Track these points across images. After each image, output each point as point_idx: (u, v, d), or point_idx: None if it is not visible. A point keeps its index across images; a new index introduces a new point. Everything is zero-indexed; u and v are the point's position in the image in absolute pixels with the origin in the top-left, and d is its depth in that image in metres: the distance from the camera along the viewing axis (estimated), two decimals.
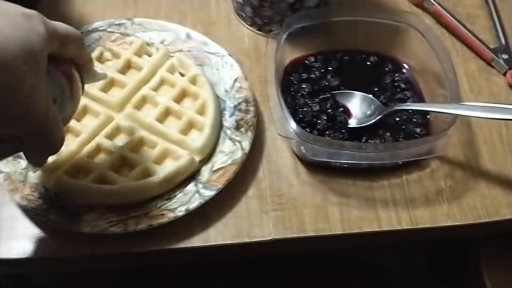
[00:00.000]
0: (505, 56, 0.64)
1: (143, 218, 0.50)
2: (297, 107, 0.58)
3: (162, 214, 0.50)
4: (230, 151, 0.54)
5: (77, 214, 0.50)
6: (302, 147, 0.53)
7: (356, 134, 0.56)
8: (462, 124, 0.58)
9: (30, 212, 0.51)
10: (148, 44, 0.61)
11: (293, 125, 0.52)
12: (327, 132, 0.56)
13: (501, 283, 0.60)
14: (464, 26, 0.65)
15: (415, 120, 0.58)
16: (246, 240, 0.52)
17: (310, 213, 0.53)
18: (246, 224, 0.52)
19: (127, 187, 0.50)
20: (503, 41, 0.65)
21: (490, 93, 0.62)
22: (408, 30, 0.61)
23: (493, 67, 0.64)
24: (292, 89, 0.60)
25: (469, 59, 0.65)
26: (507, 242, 0.61)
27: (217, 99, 0.58)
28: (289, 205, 0.54)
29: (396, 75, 0.61)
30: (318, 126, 0.56)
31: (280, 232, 0.52)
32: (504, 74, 0.63)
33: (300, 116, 0.57)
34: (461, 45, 0.65)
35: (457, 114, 0.52)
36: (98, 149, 0.53)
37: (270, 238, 0.52)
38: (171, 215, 0.50)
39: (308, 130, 0.56)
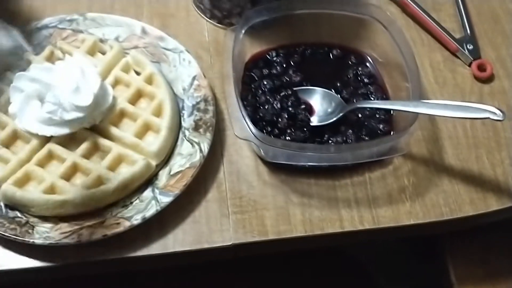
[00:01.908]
0: (470, 47, 0.62)
1: (98, 227, 0.48)
2: (258, 105, 0.56)
3: (118, 223, 0.48)
4: (189, 154, 0.52)
5: (29, 226, 0.48)
6: (260, 149, 0.52)
7: (318, 131, 0.55)
8: (426, 119, 0.57)
9: None
10: (101, 41, 0.58)
11: (251, 126, 0.50)
12: (288, 131, 0.55)
13: (467, 278, 0.60)
14: (430, 16, 0.64)
15: (377, 116, 0.57)
16: (206, 246, 0.51)
17: (271, 215, 0.52)
18: (206, 230, 0.51)
19: (79, 197, 0.48)
20: (468, 31, 0.64)
21: (455, 84, 0.61)
22: (372, 22, 0.59)
23: (458, 57, 0.63)
24: (253, 86, 0.58)
25: (434, 49, 0.63)
26: (472, 236, 0.61)
27: (175, 98, 0.56)
28: (249, 208, 0.52)
29: (360, 68, 0.60)
30: (279, 125, 0.55)
31: (240, 237, 0.51)
32: (469, 65, 0.62)
33: (261, 114, 0.55)
34: (426, 35, 0.64)
35: (418, 113, 0.51)
36: (49, 156, 0.51)
37: (230, 243, 0.51)
38: (126, 224, 0.48)
39: (269, 129, 0.54)
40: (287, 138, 0.54)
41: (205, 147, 0.52)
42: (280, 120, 0.55)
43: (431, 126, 0.58)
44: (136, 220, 0.48)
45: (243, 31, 0.56)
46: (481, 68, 0.62)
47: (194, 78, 0.56)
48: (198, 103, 0.55)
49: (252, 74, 0.59)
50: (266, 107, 0.56)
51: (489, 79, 0.62)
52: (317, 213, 0.53)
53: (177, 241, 0.50)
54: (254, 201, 0.53)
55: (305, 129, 0.55)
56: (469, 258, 0.61)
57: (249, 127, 0.50)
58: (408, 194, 0.54)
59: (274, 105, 0.56)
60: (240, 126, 0.51)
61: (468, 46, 0.62)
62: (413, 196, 0.54)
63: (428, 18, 0.64)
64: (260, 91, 0.57)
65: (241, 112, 0.51)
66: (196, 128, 0.54)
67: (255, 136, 0.50)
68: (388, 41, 0.58)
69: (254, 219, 0.52)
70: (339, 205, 0.53)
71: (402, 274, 0.85)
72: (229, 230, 0.51)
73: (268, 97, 0.56)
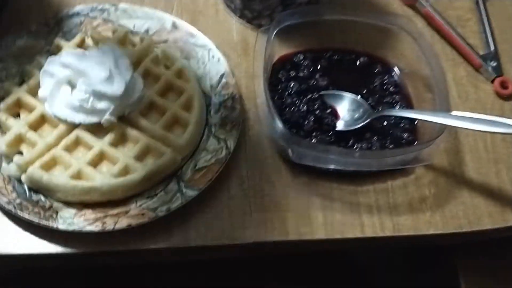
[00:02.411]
0: (493, 63, 0.63)
1: (122, 217, 0.48)
2: (283, 106, 0.57)
3: (143, 214, 0.48)
4: (214, 150, 0.53)
5: (52, 211, 0.48)
6: (288, 149, 0.52)
7: (343, 136, 0.56)
8: (449, 132, 0.58)
9: (2, 206, 0.48)
10: (132, 32, 0.58)
11: (279, 125, 0.51)
12: (313, 134, 0.55)
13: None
14: (455, 30, 0.65)
15: (402, 125, 0.57)
16: (227, 242, 0.51)
17: (292, 216, 0.52)
18: (227, 226, 0.51)
19: (106, 185, 0.48)
20: (492, 47, 0.64)
21: (476, 100, 0.62)
22: (400, 32, 0.60)
23: (481, 73, 0.63)
24: (279, 87, 0.58)
25: (458, 64, 0.64)
26: (485, 250, 0.62)
27: (203, 94, 0.56)
28: (271, 207, 0.53)
29: (385, 77, 0.60)
30: (305, 127, 0.55)
31: (261, 235, 0.51)
32: (492, 82, 0.63)
33: (287, 116, 0.56)
34: (451, 49, 0.65)
35: (446, 125, 0.51)
36: (76, 142, 0.51)
37: (251, 241, 0.51)
38: (151, 215, 0.48)
39: (294, 131, 0.55)
40: (313, 141, 0.54)
41: (231, 144, 0.53)
42: (306, 123, 0.55)
43: (452, 139, 0.59)
44: (161, 211, 0.48)
45: (274, 33, 0.57)
46: (503, 85, 0.62)
47: (222, 76, 0.57)
48: (225, 100, 0.55)
49: (279, 76, 0.59)
50: (292, 109, 0.56)
51: (510, 97, 0.62)
52: (338, 217, 0.53)
53: (199, 235, 0.50)
54: (276, 201, 0.53)
55: (330, 133, 0.55)
56: (479, 269, 0.61)
57: (279, 126, 0.51)
58: (428, 204, 0.55)
59: (300, 107, 0.56)
60: (268, 126, 0.52)
61: (491, 63, 0.63)
62: (433, 206, 0.54)
63: (453, 33, 0.64)
64: (286, 93, 0.58)
65: (271, 110, 0.51)
66: (222, 125, 0.54)
67: (283, 135, 0.51)
68: (415, 52, 0.59)
69: (276, 219, 0.52)
70: (361, 210, 0.54)
71: (405, 280, 0.85)
72: (251, 228, 0.51)
73: (294, 99, 0.57)
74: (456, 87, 0.62)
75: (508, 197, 0.56)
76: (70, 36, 0.57)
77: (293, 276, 0.71)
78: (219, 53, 0.58)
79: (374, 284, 0.77)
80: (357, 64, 0.61)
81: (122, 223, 0.47)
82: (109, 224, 0.47)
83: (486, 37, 0.66)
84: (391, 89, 0.59)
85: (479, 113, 0.60)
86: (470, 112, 0.60)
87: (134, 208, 0.49)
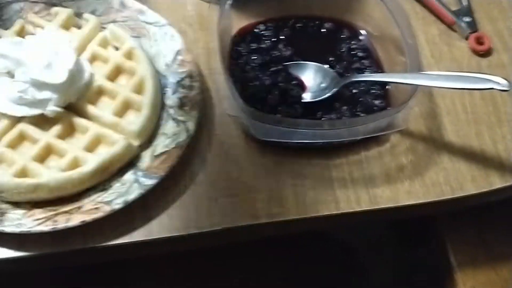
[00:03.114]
0: (467, 19, 0.59)
1: (75, 213, 0.44)
2: (246, 81, 0.53)
3: (97, 208, 0.44)
4: (174, 133, 0.49)
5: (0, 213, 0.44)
6: (252, 127, 0.48)
7: (311, 109, 0.52)
8: (424, 94, 0.55)
9: None
10: (76, 15, 0.54)
11: (240, 102, 0.47)
12: (279, 108, 0.51)
13: (466, 260, 0.58)
14: None
15: (373, 91, 0.53)
16: (194, 231, 0.47)
17: (262, 198, 0.49)
18: (193, 214, 0.48)
19: (54, 180, 0.44)
20: (464, 2, 0.61)
21: (452, 59, 0.58)
22: None
23: (455, 30, 0.60)
24: (240, 61, 0.54)
25: (430, 22, 0.60)
26: (468, 218, 0.59)
27: (157, 75, 0.52)
28: (239, 190, 0.49)
29: (353, 42, 0.56)
30: (270, 102, 0.51)
31: (230, 221, 0.48)
32: (467, 38, 0.59)
33: (250, 91, 0.52)
34: (421, 8, 0.61)
35: (418, 85, 0.48)
36: (21, 137, 0.47)
37: (220, 228, 0.47)
38: (107, 209, 0.44)
39: (259, 106, 0.51)
40: (278, 115, 0.51)
41: (192, 126, 0.49)
42: (270, 96, 0.51)
43: (428, 102, 0.55)
44: (118, 204, 0.45)
45: (229, 3, 0.53)
46: (479, 41, 0.59)
47: (177, 53, 0.52)
48: (182, 79, 0.51)
49: (239, 49, 0.55)
50: (255, 83, 0.52)
51: (487, 53, 0.59)
52: (311, 194, 0.49)
53: (163, 226, 0.47)
54: (244, 183, 0.50)
55: (297, 106, 0.52)
56: (467, 240, 0.59)
57: (239, 103, 0.47)
58: (406, 173, 0.51)
59: (264, 81, 0.52)
60: (230, 103, 0.48)
61: (464, 18, 0.60)
62: (412, 175, 0.51)
63: None
64: (248, 67, 0.54)
65: (231, 88, 0.47)
66: (181, 106, 0.50)
67: (246, 112, 0.47)
68: (383, 13, 0.55)
69: (245, 202, 0.49)
70: (334, 185, 0.50)
71: (391, 258, 0.83)
72: (218, 214, 0.48)
73: (257, 73, 0.53)
74: (429, 47, 0.59)
75: (491, 159, 0.53)
76: (10, 24, 0.53)
77: (275, 260, 0.68)
78: (173, 30, 0.53)
79: (362, 264, 0.75)
80: (322, 31, 0.57)
81: (75, 220, 0.44)
82: (61, 222, 0.44)
83: None
84: (360, 54, 0.56)
85: (455, 71, 0.57)
86: (446, 71, 0.58)
87: (87, 202, 0.45)
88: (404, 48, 0.52)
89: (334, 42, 0.56)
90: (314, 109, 0.52)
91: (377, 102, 0.53)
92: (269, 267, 0.68)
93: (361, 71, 0.55)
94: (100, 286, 0.64)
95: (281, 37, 0.56)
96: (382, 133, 0.51)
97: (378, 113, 0.51)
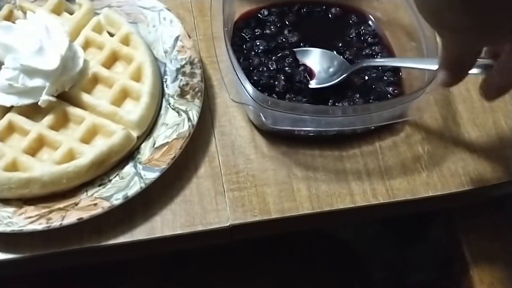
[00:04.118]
0: None
1: (71, 210, 0.41)
2: (251, 68, 0.50)
3: (95, 204, 0.41)
4: (175, 123, 0.45)
5: None
6: (260, 114, 0.45)
7: (321, 97, 0.49)
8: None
9: None
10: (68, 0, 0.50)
11: (249, 88, 0.44)
12: (287, 96, 0.48)
13: (483, 257, 0.55)
14: None
15: (386, 78, 0.51)
16: (200, 228, 0.44)
17: (273, 192, 0.46)
18: (199, 210, 0.44)
19: (47, 174, 0.40)
20: None
21: None
22: None
23: None
24: (244, 47, 0.51)
25: None
26: (485, 210, 0.56)
27: (155, 61, 0.48)
28: (248, 184, 0.46)
29: (362, 28, 0.53)
30: (276, 89, 0.48)
31: (239, 216, 0.44)
32: None
33: (255, 78, 0.49)
34: None
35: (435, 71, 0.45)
36: (10, 128, 0.43)
37: (228, 224, 0.44)
38: (105, 205, 0.41)
39: (266, 94, 0.48)
40: (290, 102, 0.47)
41: (194, 115, 0.45)
42: (277, 83, 0.48)
43: (442, 89, 0.52)
44: (117, 199, 0.41)
45: None
46: None
47: (177, 38, 0.49)
48: (183, 66, 0.48)
49: (243, 34, 0.52)
50: (260, 69, 0.49)
51: None
52: (324, 188, 0.46)
53: (166, 223, 0.43)
54: (253, 176, 0.46)
55: (305, 93, 0.48)
56: (482, 234, 0.56)
57: (247, 89, 0.43)
58: (423, 163, 0.48)
59: (270, 67, 0.49)
60: (236, 90, 0.45)
61: None
62: (429, 165, 0.48)
63: None
64: (252, 53, 0.51)
65: (237, 72, 0.44)
66: (182, 94, 0.47)
67: (254, 99, 0.43)
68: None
69: (254, 197, 0.45)
70: (349, 177, 0.47)
71: (390, 256, 0.80)
72: (226, 209, 0.44)
73: (262, 59, 0.50)
74: None
75: (511, 147, 0.50)
76: None
77: (272, 258, 0.65)
78: (171, 14, 0.50)
79: (361, 262, 0.72)
80: (329, 16, 0.54)
81: (71, 217, 0.40)
82: (56, 220, 0.40)
83: None
84: (369, 39, 0.53)
85: None
86: None
87: (84, 198, 0.41)
88: (419, 34, 0.50)
89: (343, 28, 0.54)
90: (325, 97, 0.49)
91: (390, 89, 0.50)
92: (265, 265, 0.65)
93: (372, 57, 0.52)
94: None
95: (286, 23, 0.53)
96: (396, 121, 0.48)
97: (393, 100, 0.48)
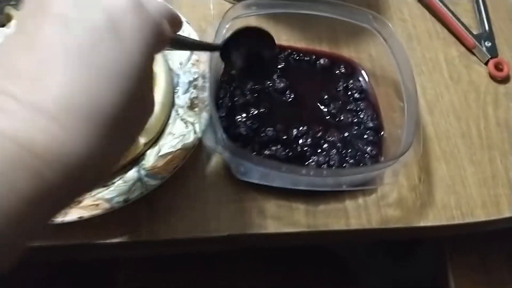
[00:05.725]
0: (488, 44, 0.59)
1: (74, 207, 0.42)
2: (233, 107, 0.50)
3: (97, 205, 0.42)
4: (181, 134, 0.47)
5: None
6: (230, 164, 0.45)
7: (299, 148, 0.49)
8: (441, 113, 0.53)
9: None
10: None
11: (222, 135, 0.43)
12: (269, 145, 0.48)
13: (467, 285, 0.56)
14: (447, 8, 0.60)
15: (366, 137, 0.50)
16: (200, 235, 0.45)
17: (271, 206, 0.47)
18: (200, 217, 0.46)
19: None
20: (486, 27, 0.60)
21: (469, 82, 0.57)
22: (369, 32, 0.52)
23: (474, 54, 0.59)
24: (232, 86, 0.51)
25: (450, 43, 0.59)
26: (474, 240, 0.58)
27: (170, 72, 0.50)
28: (249, 196, 0.47)
29: (351, 81, 0.53)
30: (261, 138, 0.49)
31: (238, 227, 0.46)
32: (486, 63, 0.58)
33: (237, 117, 0.49)
34: (442, 28, 0.60)
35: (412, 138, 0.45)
36: None
37: (227, 234, 0.45)
38: (106, 206, 0.42)
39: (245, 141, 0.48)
40: (267, 150, 0.48)
41: (201, 128, 0.47)
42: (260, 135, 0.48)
43: (444, 122, 0.54)
44: (118, 202, 0.43)
45: (226, 26, 0.49)
46: (498, 67, 0.58)
47: (192, 52, 0.51)
48: (195, 79, 0.50)
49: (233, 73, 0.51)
50: (243, 112, 0.49)
51: (505, 79, 0.58)
52: (322, 207, 0.48)
53: (169, 228, 0.45)
54: (251, 188, 0.48)
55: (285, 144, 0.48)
56: (469, 264, 0.57)
57: (219, 135, 0.43)
58: (418, 193, 0.50)
59: (250, 122, 0.49)
60: (209, 134, 0.44)
61: (485, 43, 0.59)
62: (423, 195, 0.50)
63: (446, 10, 0.60)
64: (238, 92, 0.51)
65: (214, 116, 0.43)
66: (191, 106, 0.49)
67: (224, 146, 0.43)
68: (386, 54, 0.51)
69: (253, 209, 0.47)
70: (346, 200, 0.48)
71: (381, 269, 0.81)
72: (226, 219, 0.46)
73: (249, 100, 0.50)
74: (447, 68, 0.58)
75: (503, 186, 0.52)
76: None
77: (265, 269, 0.66)
78: (190, 27, 0.52)
79: (359, 277, 0.73)
80: (318, 65, 0.54)
81: (72, 214, 0.42)
82: (58, 216, 0.41)
83: (480, 16, 0.61)
84: (356, 95, 0.53)
85: (472, 95, 0.57)
86: (462, 94, 0.57)
87: (87, 197, 0.43)
88: (404, 95, 0.49)
89: (331, 79, 0.53)
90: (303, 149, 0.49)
91: (368, 149, 0.50)
92: (260, 276, 0.66)
93: (355, 113, 0.52)
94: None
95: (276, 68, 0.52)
96: (367, 188, 0.48)
97: (367, 167, 0.48)
